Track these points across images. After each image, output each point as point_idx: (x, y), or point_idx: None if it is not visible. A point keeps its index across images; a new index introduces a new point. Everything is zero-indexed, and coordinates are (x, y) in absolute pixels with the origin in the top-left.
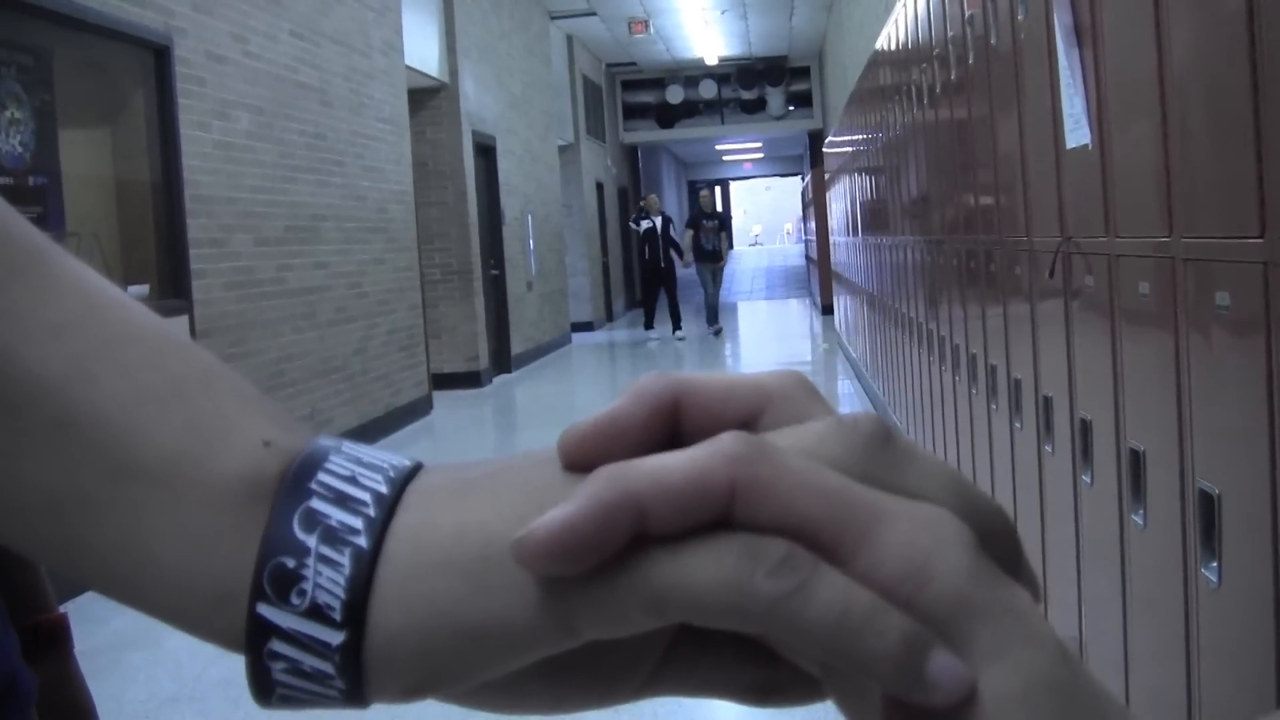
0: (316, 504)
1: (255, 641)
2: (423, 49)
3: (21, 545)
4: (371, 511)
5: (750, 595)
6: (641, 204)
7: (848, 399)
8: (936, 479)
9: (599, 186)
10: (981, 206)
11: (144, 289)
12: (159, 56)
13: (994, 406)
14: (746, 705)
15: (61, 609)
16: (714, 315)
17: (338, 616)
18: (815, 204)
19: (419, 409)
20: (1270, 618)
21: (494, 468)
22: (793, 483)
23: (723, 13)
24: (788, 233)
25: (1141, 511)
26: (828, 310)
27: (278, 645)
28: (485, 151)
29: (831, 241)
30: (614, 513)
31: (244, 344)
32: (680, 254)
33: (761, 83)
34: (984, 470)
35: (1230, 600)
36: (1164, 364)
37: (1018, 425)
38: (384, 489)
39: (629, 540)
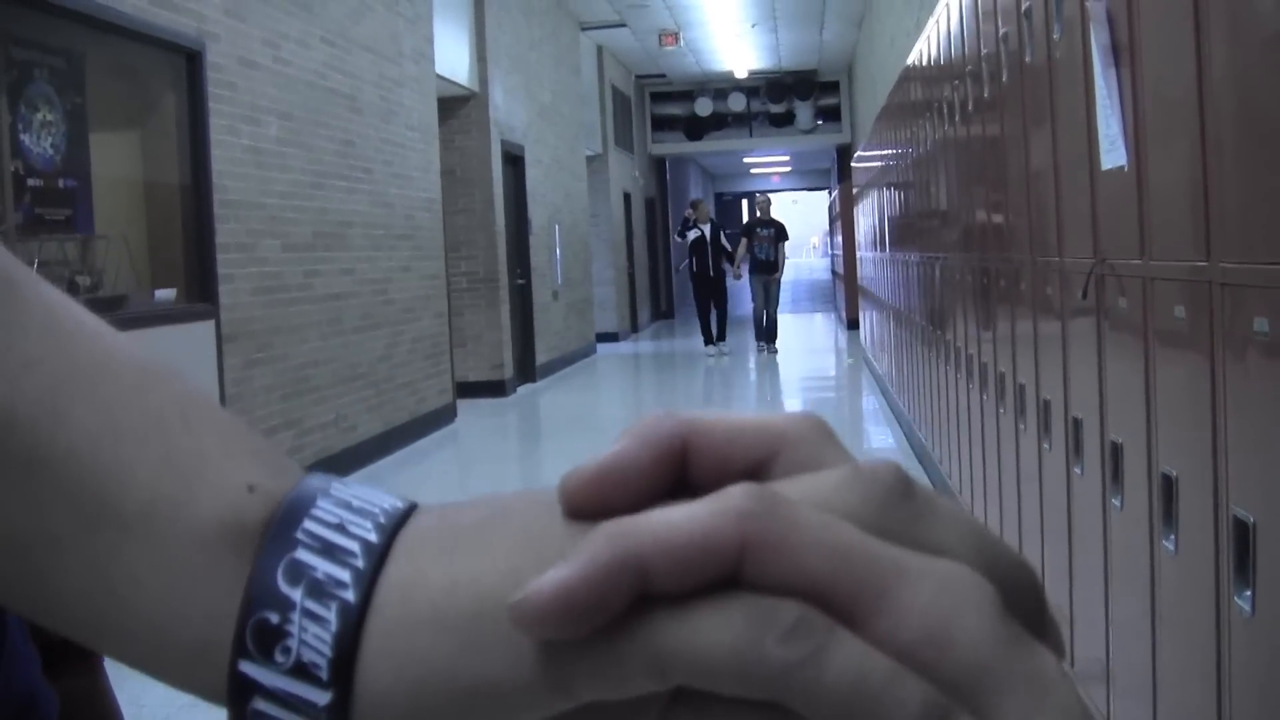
0: (302, 555)
1: (237, 699)
2: (453, 57)
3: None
4: (360, 563)
5: (760, 662)
6: (688, 212)
7: (872, 415)
8: (959, 533)
9: (626, 197)
10: (1013, 224)
11: (171, 293)
12: (191, 61)
13: (1022, 426)
14: None
15: None
16: (766, 332)
17: (324, 675)
18: (842, 218)
19: (443, 417)
20: None
21: (488, 512)
22: (806, 540)
23: (753, 26)
24: (813, 247)
25: (1173, 537)
26: (853, 325)
27: (261, 704)
28: (513, 160)
29: (858, 256)
30: (615, 574)
31: (270, 349)
32: (732, 261)
33: (790, 96)
34: (1010, 490)
35: (1264, 630)
36: (1198, 389)
37: (1046, 446)
38: (373, 537)
39: (631, 602)
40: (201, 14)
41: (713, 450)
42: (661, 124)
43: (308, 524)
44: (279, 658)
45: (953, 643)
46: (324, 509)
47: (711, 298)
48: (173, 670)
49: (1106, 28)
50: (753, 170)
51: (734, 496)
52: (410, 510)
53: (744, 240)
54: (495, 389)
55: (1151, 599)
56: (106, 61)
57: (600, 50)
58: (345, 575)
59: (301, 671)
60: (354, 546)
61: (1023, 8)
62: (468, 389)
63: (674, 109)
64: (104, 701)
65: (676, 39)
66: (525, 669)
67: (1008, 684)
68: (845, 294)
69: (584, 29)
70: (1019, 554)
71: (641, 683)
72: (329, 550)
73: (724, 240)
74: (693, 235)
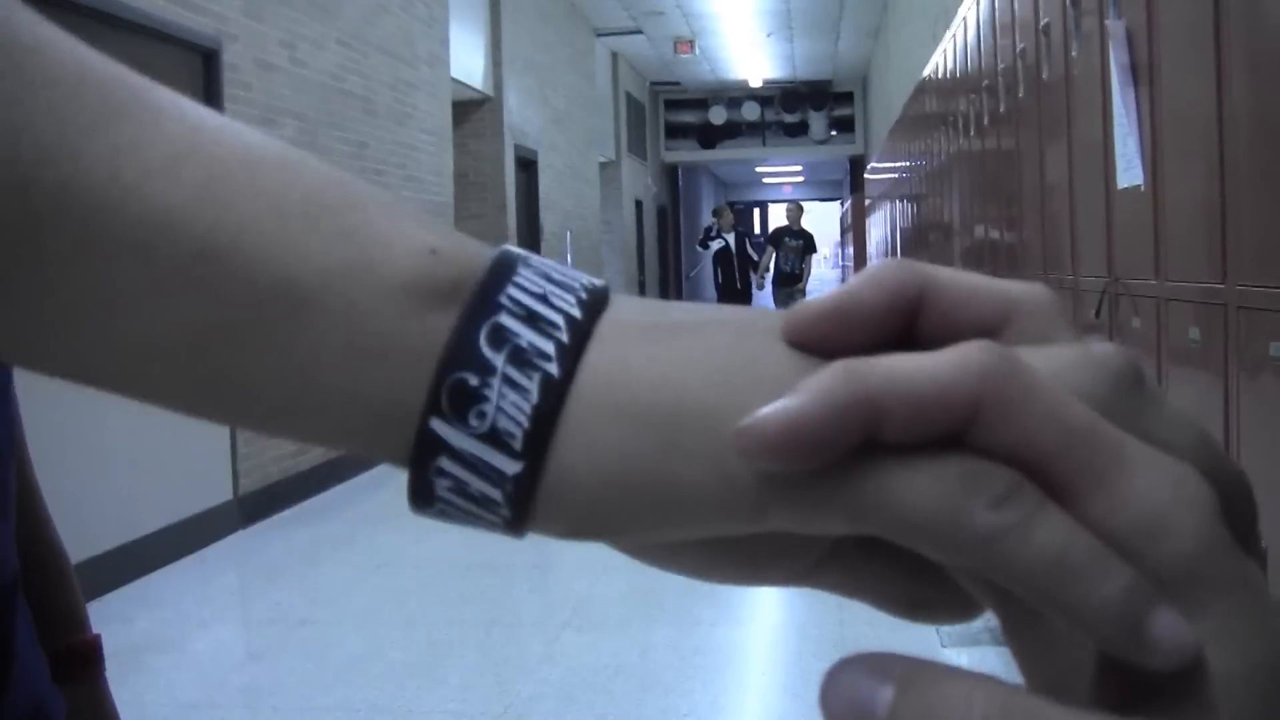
0: (505, 320)
1: (422, 455)
2: (468, 61)
3: (163, 395)
4: (565, 337)
5: (965, 525)
6: (713, 222)
7: None
8: (1184, 431)
9: (638, 204)
10: (1026, 241)
11: None
12: (207, 61)
13: None
14: (895, 616)
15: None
16: None
17: (518, 446)
18: (854, 229)
19: None
20: None
21: (700, 316)
22: (1040, 410)
23: (769, 35)
24: (824, 257)
25: None
26: None
27: (446, 464)
28: (526, 165)
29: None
30: (850, 413)
31: None
32: (755, 270)
33: (804, 106)
34: None
35: None
36: (1213, 411)
37: None
38: (577, 313)
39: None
40: (220, 14)
41: (946, 305)
42: (675, 131)
43: (511, 290)
44: (473, 421)
45: (1166, 535)
46: (526, 277)
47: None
48: (361, 434)
49: (1126, 47)
50: (765, 180)
51: (977, 353)
52: (607, 290)
53: (771, 250)
54: None
55: None
56: (123, 60)
57: (615, 57)
58: (549, 347)
59: (494, 438)
60: (558, 319)
61: (1041, 24)
62: None
63: (688, 117)
64: (105, 708)
65: (692, 47)
66: (724, 483)
67: (1217, 587)
68: None
69: (599, 35)
70: (1239, 465)
71: (840, 524)
72: (533, 319)
73: (750, 250)
74: (716, 245)
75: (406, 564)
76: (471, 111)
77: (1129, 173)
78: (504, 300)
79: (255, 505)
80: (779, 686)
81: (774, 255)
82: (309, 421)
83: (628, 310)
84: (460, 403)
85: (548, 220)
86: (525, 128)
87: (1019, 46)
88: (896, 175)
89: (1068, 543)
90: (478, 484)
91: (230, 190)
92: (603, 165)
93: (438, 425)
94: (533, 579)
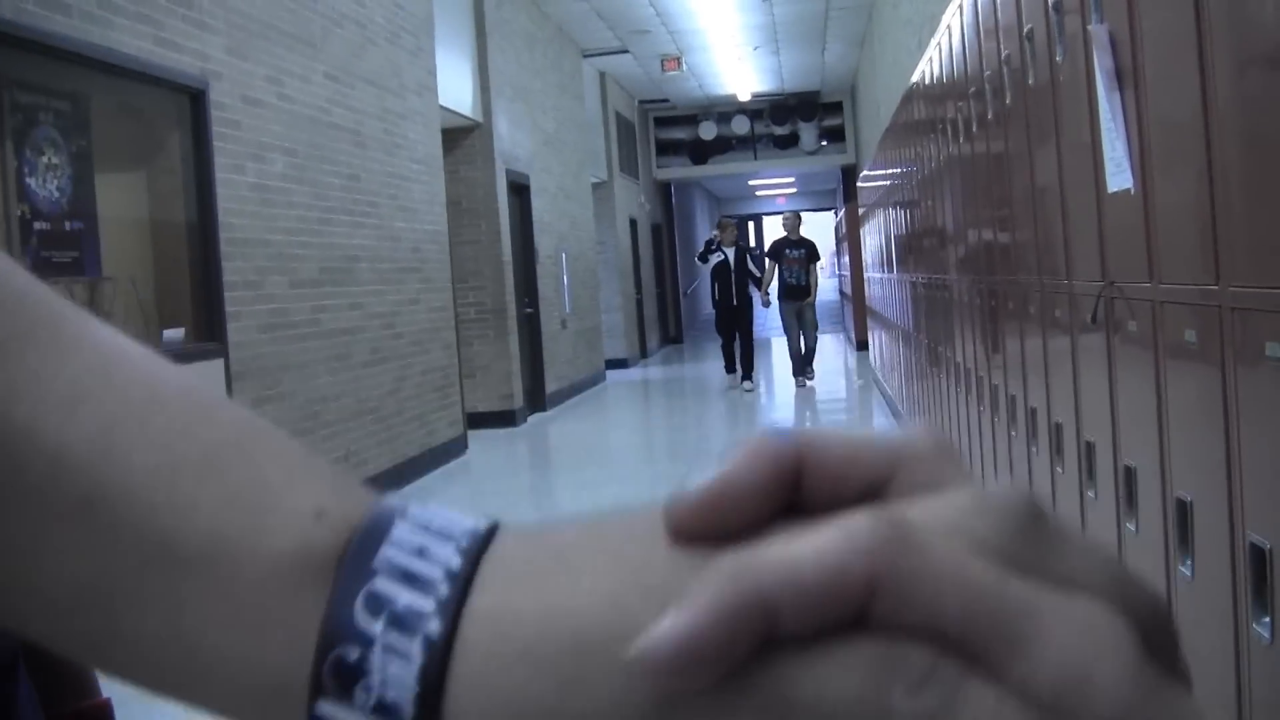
0: (380, 584)
1: None
2: (456, 88)
3: (49, 641)
4: (444, 590)
5: (887, 714)
6: (714, 234)
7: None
8: (1091, 565)
9: (633, 223)
10: (1020, 246)
11: (180, 332)
12: (195, 100)
13: (1034, 449)
14: None
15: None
16: (801, 363)
17: (408, 715)
18: (849, 239)
19: (454, 449)
20: None
21: (581, 534)
22: (939, 578)
23: (755, 49)
24: (820, 267)
25: (1189, 562)
26: (862, 346)
27: None
28: (519, 190)
29: (865, 277)
30: (742, 618)
31: (278, 386)
32: (759, 285)
33: (794, 118)
34: None
35: None
36: (1212, 413)
37: (1059, 470)
38: (457, 562)
39: (757, 646)
40: (204, 53)
41: (828, 470)
42: (666, 149)
43: (385, 550)
44: (359, 696)
45: (1092, 689)
46: (402, 532)
47: (735, 328)
48: (248, 714)
49: (1110, 51)
50: (758, 193)
51: (864, 530)
52: (493, 530)
53: (773, 265)
54: (505, 419)
55: None
56: (111, 103)
57: (603, 77)
58: (429, 605)
59: (384, 711)
60: (436, 573)
61: (1025, 30)
62: (478, 420)
63: (678, 133)
64: None
65: (679, 64)
66: (631, 709)
67: None
68: (854, 315)
69: (586, 56)
70: (1151, 587)
71: None
72: (409, 578)
73: (751, 264)
74: (715, 259)
75: None
76: (462, 138)
77: (1118, 176)
78: (377, 563)
79: None
80: None
81: (776, 269)
82: (197, 692)
83: (511, 547)
84: (344, 680)
85: (542, 243)
86: (516, 152)
87: (1004, 52)
88: (889, 183)
89: (997, 717)
90: None
91: (125, 437)
92: (595, 186)
93: (326, 708)
94: None
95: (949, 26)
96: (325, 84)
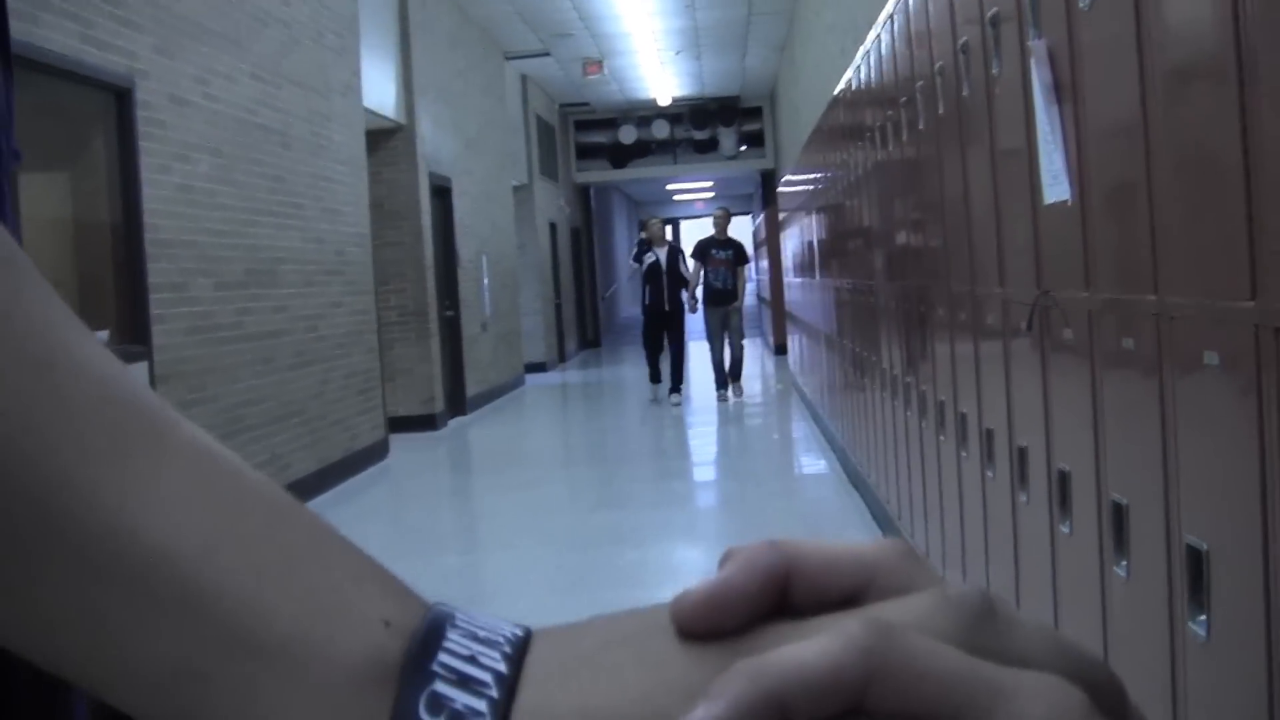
0: (440, 687)
1: None
2: (380, 90)
3: (134, 711)
4: (494, 693)
5: None
6: (642, 235)
7: (804, 441)
8: (1041, 644)
9: (552, 226)
10: (952, 253)
11: (104, 335)
12: (120, 99)
13: (964, 454)
14: None
15: None
16: (727, 375)
17: None
18: (768, 243)
19: (376, 453)
20: (1262, 673)
21: (604, 637)
22: (920, 670)
23: (677, 53)
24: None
25: (1125, 563)
26: (781, 350)
27: None
28: (441, 192)
29: (785, 281)
30: (761, 712)
31: (203, 389)
32: (688, 287)
33: (714, 122)
34: (953, 516)
35: (1220, 655)
36: (1148, 418)
37: (990, 474)
38: (503, 668)
39: None
40: (131, 51)
41: (812, 579)
42: (586, 152)
43: (442, 657)
44: None
45: None
46: (454, 641)
47: (666, 336)
48: None
49: (1048, 65)
50: (676, 197)
51: (857, 634)
52: (528, 636)
53: (698, 265)
54: (426, 423)
55: (1104, 625)
56: (35, 100)
57: (524, 79)
58: (482, 705)
59: None
60: (487, 678)
61: (959, 41)
62: (399, 423)
63: (598, 137)
64: None
65: (600, 67)
66: None
67: None
68: (773, 319)
69: (508, 58)
70: (1096, 655)
71: None
72: (464, 682)
73: (683, 267)
74: (649, 260)
75: None
76: (385, 140)
77: (1055, 188)
78: (437, 668)
79: None
80: None
81: (702, 271)
82: None
83: (547, 649)
84: None
85: (464, 246)
86: (439, 154)
87: (937, 63)
88: (813, 188)
89: None
90: None
91: (220, 539)
92: (516, 189)
93: None
94: None
95: (879, 36)
96: (251, 84)
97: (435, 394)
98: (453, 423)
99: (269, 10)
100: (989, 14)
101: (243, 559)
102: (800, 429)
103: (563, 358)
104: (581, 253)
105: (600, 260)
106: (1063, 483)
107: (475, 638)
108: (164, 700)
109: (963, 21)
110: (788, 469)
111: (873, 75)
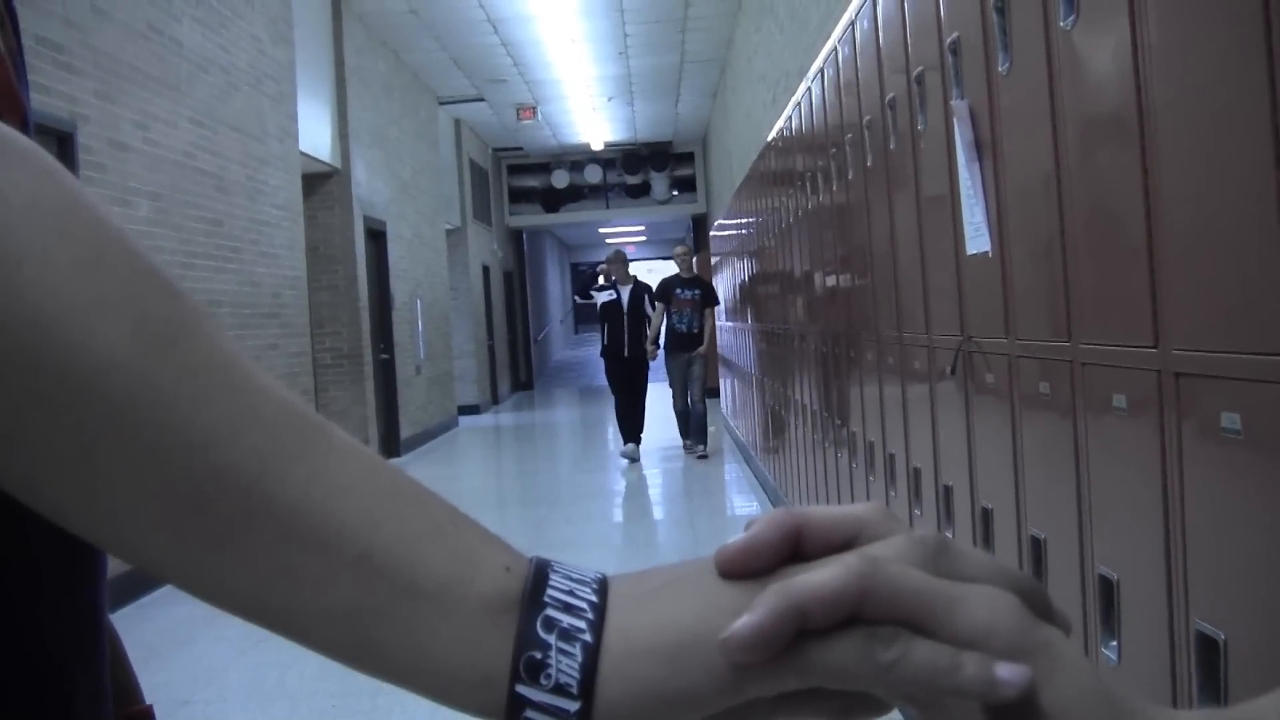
0: (551, 612)
1: (514, 711)
2: (315, 134)
3: (321, 647)
4: (591, 616)
5: (872, 666)
6: (602, 267)
7: (735, 482)
8: (985, 567)
9: (485, 270)
10: (879, 300)
11: None
12: (62, 144)
13: (893, 493)
14: None
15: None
16: (691, 428)
17: (575, 691)
18: None
19: None
20: (1167, 692)
21: (667, 578)
22: (897, 587)
23: (610, 99)
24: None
25: None
26: (713, 393)
27: (531, 714)
28: (376, 236)
29: (717, 324)
30: (789, 617)
31: None
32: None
33: (646, 167)
34: None
35: (1130, 678)
36: (1063, 457)
37: (917, 511)
38: (595, 599)
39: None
40: (73, 96)
41: (818, 532)
42: (519, 196)
43: (550, 591)
44: (543, 681)
45: (994, 635)
46: (557, 581)
47: (630, 384)
48: (463, 697)
49: (970, 124)
50: (608, 240)
51: (854, 564)
52: (607, 578)
53: (661, 309)
54: None
55: None
56: None
57: (458, 124)
58: (583, 624)
59: (559, 690)
60: (584, 605)
61: (887, 98)
62: None
63: (531, 181)
64: None
65: (534, 112)
66: (715, 681)
67: (1034, 653)
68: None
69: (442, 104)
70: (1028, 574)
71: (792, 684)
72: (568, 608)
73: (649, 308)
74: (604, 298)
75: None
76: (320, 184)
77: (977, 240)
78: (547, 600)
79: (123, 588)
80: None
81: (665, 315)
82: (428, 683)
83: (624, 586)
84: (532, 671)
85: (398, 289)
86: (373, 198)
87: (866, 117)
88: (744, 233)
89: (935, 655)
90: None
91: (384, 514)
92: (449, 232)
93: (521, 689)
94: None
95: (809, 88)
96: (190, 129)
97: (370, 436)
98: None
99: (209, 57)
100: (914, 72)
101: (401, 529)
102: (732, 470)
103: (496, 400)
104: (515, 296)
105: (533, 303)
106: (985, 519)
107: (570, 578)
108: (345, 633)
109: (889, 78)
110: (720, 510)
111: (804, 124)
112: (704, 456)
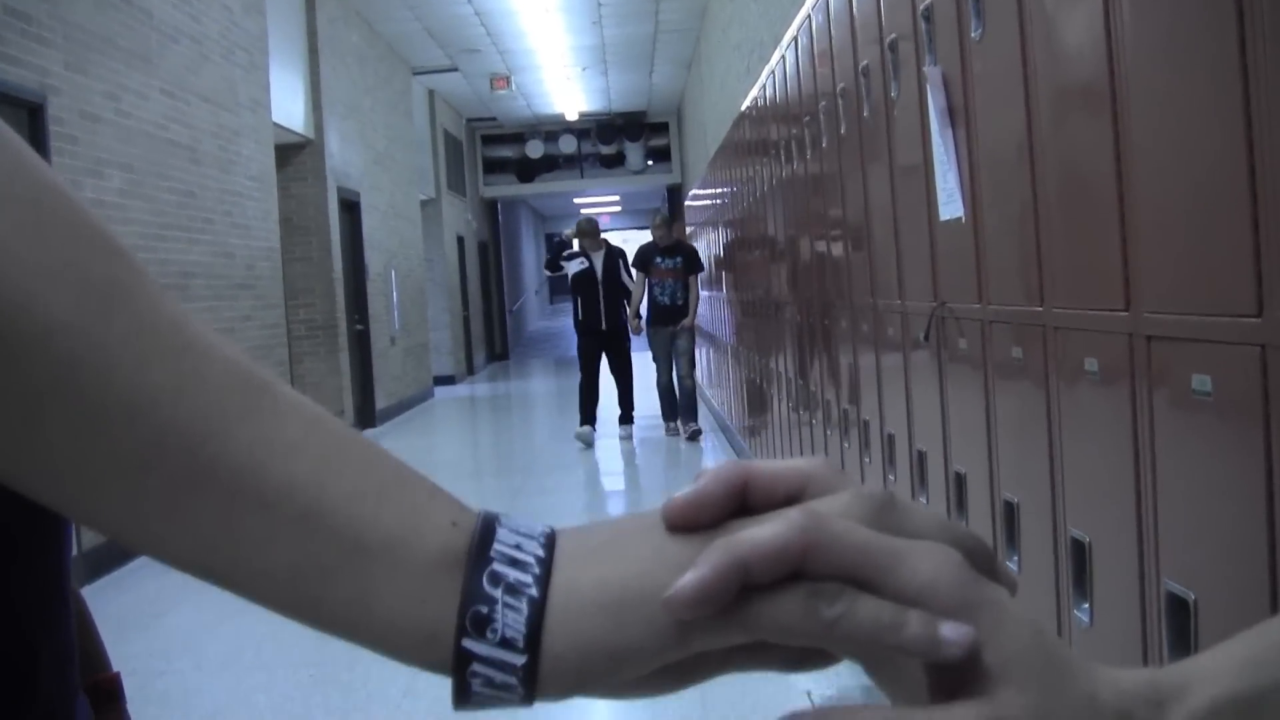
0: (497, 567)
1: (460, 665)
2: (289, 105)
3: (266, 604)
4: (536, 570)
5: (816, 620)
6: (565, 235)
7: (710, 450)
8: (930, 523)
9: (459, 240)
10: (853, 267)
11: None
12: (32, 115)
13: (867, 459)
14: (785, 672)
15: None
16: (678, 407)
17: (520, 645)
18: None
19: None
20: (1138, 653)
21: (613, 533)
22: (841, 543)
23: (584, 69)
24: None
25: (1016, 557)
26: None
27: (477, 667)
28: (350, 207)
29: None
30: (732, 573)
31: None
32: (629, 302)
33: (621, 138)
34: None
35: (1101, 638)
36: (1036, 422)
37: (891, 477)
38: (541, 553)
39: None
40: (44, 67)
41: (764, 486)
42: (493, 167)
43: (496, 546)
44: (489, 635)
45: (937, 591)
46: (504, 535)
47: (608, 359)
48: (411, 652)
49: (943, 91)
50: (583, 210)
51: (796, 519)
52: (554, 532)
53: (642, 279)
54: None
55: None
56: None
57: (431, 95)
58: (528, 579)
59: (505, 643)
60: (530, 559)
61: (860, 65)
62: None
63: (505, 151)
64: None
65: (508, 83)
66: (658, 634)
67: (977, 609)
68: None
69: (416, 74)
70: (973, 531)
71: (739, 638)
72: (514, 563)
73: (625, 276)
74: (576, 267)
75: (260, 609)
76: (293, 155)
77: (950, 206)
78: (493, 554)
79: (99, 560)
80: None
81: (646, 285)
82: (377, 638)
83: (571, 541)
84: (479, 625)
85: (372, 260)
86: (347, 169)
87: (839, 85)
88: (719, 202)
89: (878, 612)
90: (499, 675)
91: (329, 473)
92: (424, 203)
93: (468, 643)
94: None
95: (783, 56)
96: (162, 100)
97: (345, 407)
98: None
99: (179, 27)
100: (888, 39)
101: (348, 486)
102: (708, 440)
103: (471, 370)
104: (489, 267)
105: (508, 274)
106: (959, 484)
107: (518, 533)
108: (294, 591)
109: (863, 45)
110: (693, 478)
111: (777, 93)
112: (698, 432)
